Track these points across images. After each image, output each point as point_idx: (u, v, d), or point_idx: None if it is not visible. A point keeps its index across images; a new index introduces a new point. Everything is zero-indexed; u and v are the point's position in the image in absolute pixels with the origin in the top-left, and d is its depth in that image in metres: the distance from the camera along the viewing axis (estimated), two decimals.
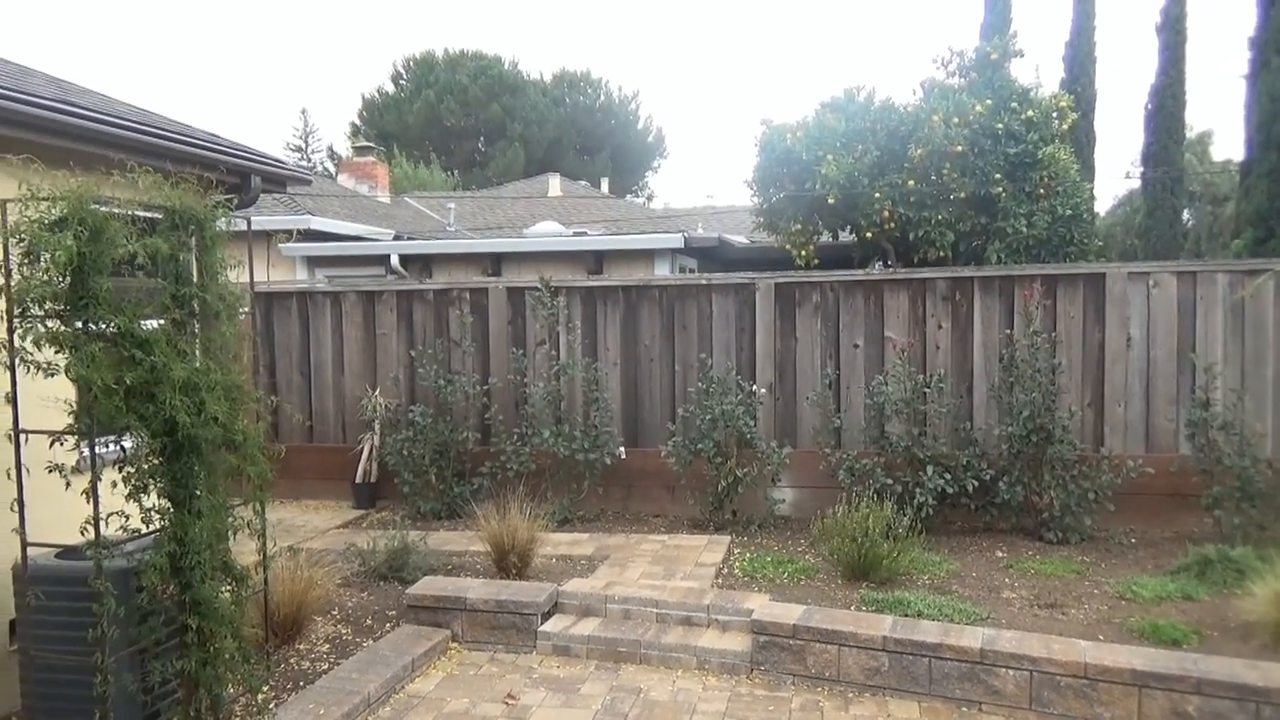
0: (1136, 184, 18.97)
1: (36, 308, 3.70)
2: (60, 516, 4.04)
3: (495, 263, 14.04)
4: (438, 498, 8.46)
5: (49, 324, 3.74)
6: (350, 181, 22.30)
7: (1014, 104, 10.79)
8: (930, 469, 7.27)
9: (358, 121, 42.38)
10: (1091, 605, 5.81)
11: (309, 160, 43.69)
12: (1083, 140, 14.59)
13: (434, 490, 8.47)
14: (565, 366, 8.55)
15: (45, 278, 3.66)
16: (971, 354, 8.03)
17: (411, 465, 8.47)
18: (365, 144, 26.14)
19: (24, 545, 4.11)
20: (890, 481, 7.34)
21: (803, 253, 11.84)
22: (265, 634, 5.16)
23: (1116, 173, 29.87)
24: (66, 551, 4.34)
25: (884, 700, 5.07)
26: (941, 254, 10.91)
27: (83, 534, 3.99)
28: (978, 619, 5.48)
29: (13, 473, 3.96)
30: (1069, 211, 10.58)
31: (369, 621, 5.97)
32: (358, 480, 8.99)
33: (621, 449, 8.36)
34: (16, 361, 3.80)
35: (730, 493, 7.80)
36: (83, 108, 4.92)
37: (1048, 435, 7.19)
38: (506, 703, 5.07)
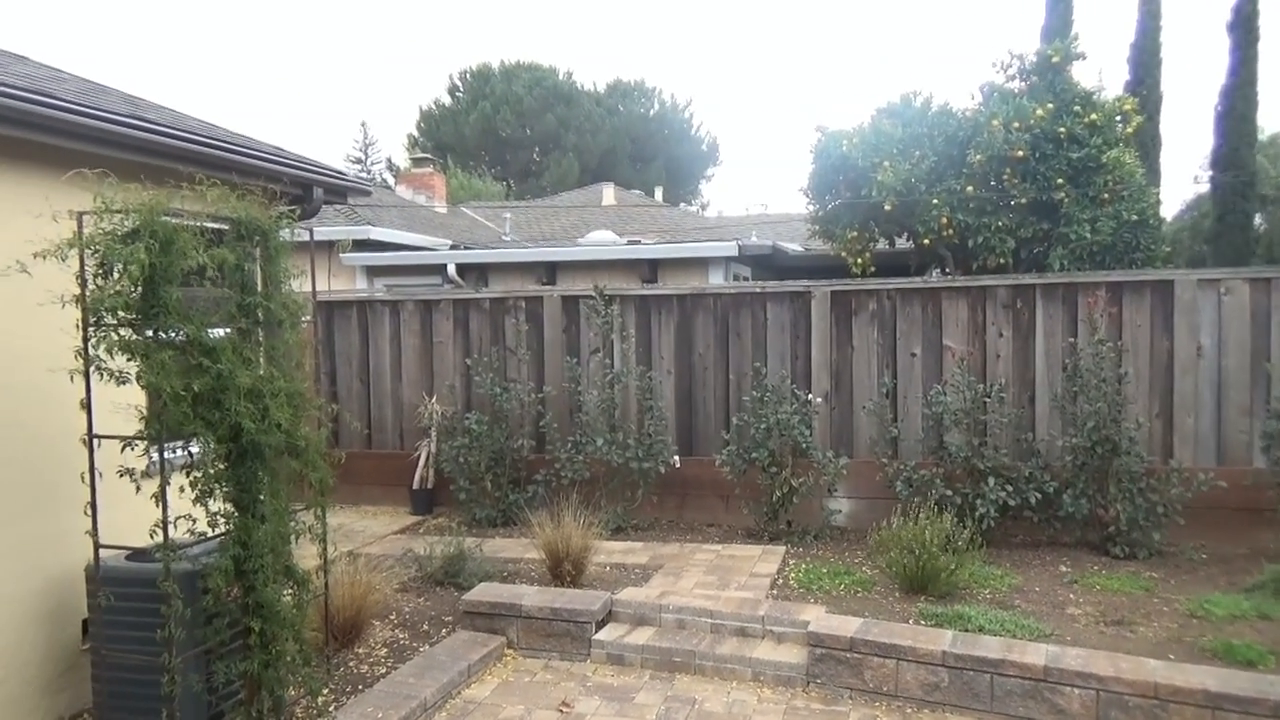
0: (1205, 188, 18.42)
1: (110, 317, 3.82)
2: (130, 520, 4.15)
3: (550, 271, 14.14)
4: (493, 504, 8.53)
5: (121, 333, 3.85)
6: (408, 192, 22.66)
7: (1077, 107, 10.55)
8: (991, 480, 7.12)
9: (415, 133, 43.09)
10: (1161, 623, 5.63)
11: (369, 172, 44.56)
12: (1148, 144, 14.21)
13: (489, 497, 8.55)
14: (619, 375, 8.56)
15: (118, 288, 3.77)
16: (1033, 363, 7.86)
17: (467, 472, 8.56)
18: (423, 155, 26.56)
19: (96, 547, 4.23)
20: (949, 493, 7.20)
21: (858, 260, 11.71)
22: (325, 637, 5.25)
23: (1184, 177, 29.06)
24: (136, 554, 4.46)
25: (944, 716, 4.96)
26: (1002, 261, 10.71)
27: (151, 537, 4.10)
28: (1041, 635, 5.34)
29: (87, 476, 4.08)
30: (1135, 217, 10.30)
31: (425, 627, 6.03)
32: (415, 486, 9.11)
33: (675, 457, 8.34)
34: (91, 369, 3.94)
35: (785, 503, 7.73)
36: (154, 123, 5.07)
37: (1114, 447, 7.00)
38: (561, 710, 5.08)
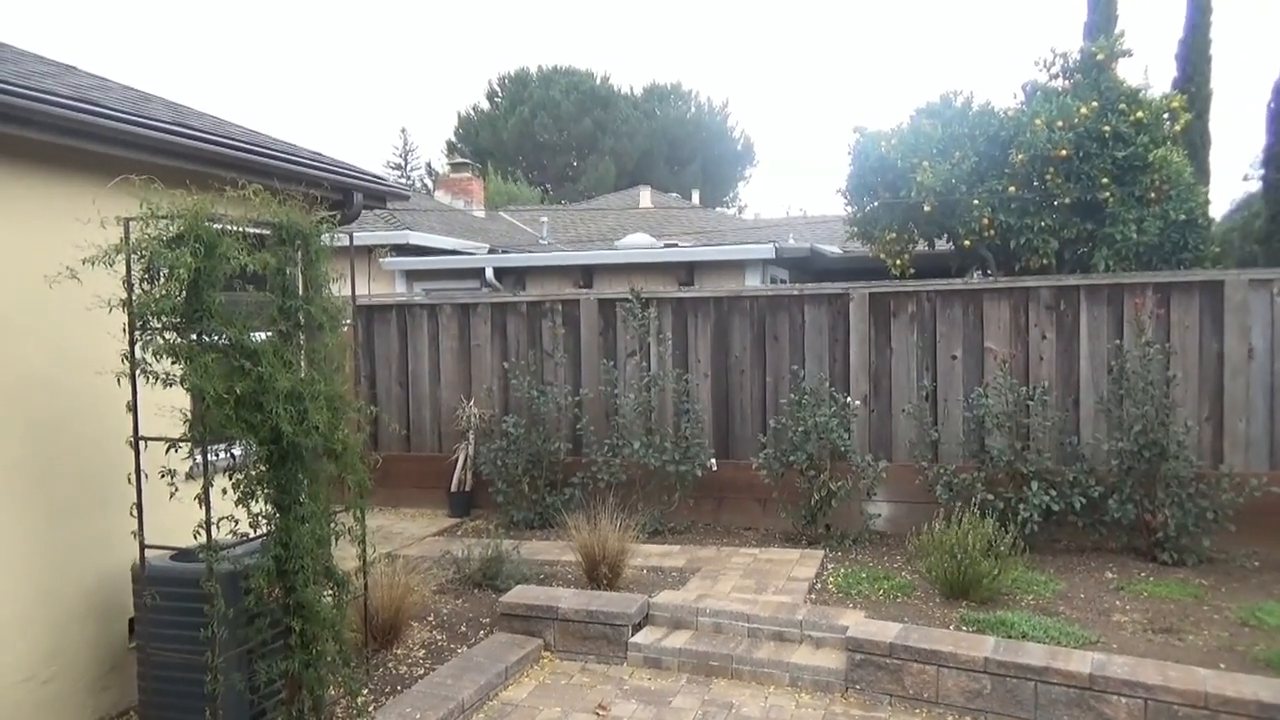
0: (1256, 187, 17.97)
1: (155, 321, 3.89)
2: (174, 520, 4.22)
3: (587, 275, 14.18)
4: (530, 507, 8.56)
5: (167, 336, 3.92)
6: (447, 197, 22.87)
7: (1122, 105, 10.35)
8: (1035, 484, 7.00)
9: (454, 139, 43.50)
10: (1211, 631, 5.50)
11: (408, 178, 45.03)
12: (1197, 142, 13.88)
13: (526, 500, 8.58)
14: (656, 378, 8.55)
15: (164, 292, 3.84)
16: (1078, 365, 7.71)
17: (505, 475, 8.60)
18: (461, 160, 26.78)
19: (142, 547, 4.31)
20: (991, 497, 7.09)
21: (897, 262, 11.59)
22: (364, 638, 5.30)
23: (1234, 175, 28.39)
24: (180, 554, 4.53)
25: None
26: (1045, 262, 10.54)
27: (195, 537, 4.16)
28: (1087, 643, 5.24)
29: (132, 478, 4.16)
30: (1183, 216, 10.08)
31: (463, 628, 6.07)
32: (453, 489, 9.17)
33: (712, 461, 8.31)
34: (137, 372, 4.01)
35: (824, 506, 7.66)
36: (198, 129, 5.16)
37: (1162, 451, 6.85)
38: (598, 714, 5.07)
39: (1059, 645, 5.15)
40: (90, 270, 3.82)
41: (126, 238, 4.01)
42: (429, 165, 46.38)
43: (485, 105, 43.92)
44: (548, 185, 40.62)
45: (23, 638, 4.47)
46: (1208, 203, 10.98)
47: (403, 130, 62.73)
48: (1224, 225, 18.04)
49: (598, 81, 43.09)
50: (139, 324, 3.96)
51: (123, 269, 3.97)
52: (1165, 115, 10.52)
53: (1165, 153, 10.09)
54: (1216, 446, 7.37)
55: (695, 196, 31.82)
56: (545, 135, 41.52)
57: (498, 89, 43.93)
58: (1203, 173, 13.87)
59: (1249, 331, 7.29)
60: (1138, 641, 5.34)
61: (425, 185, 40.88)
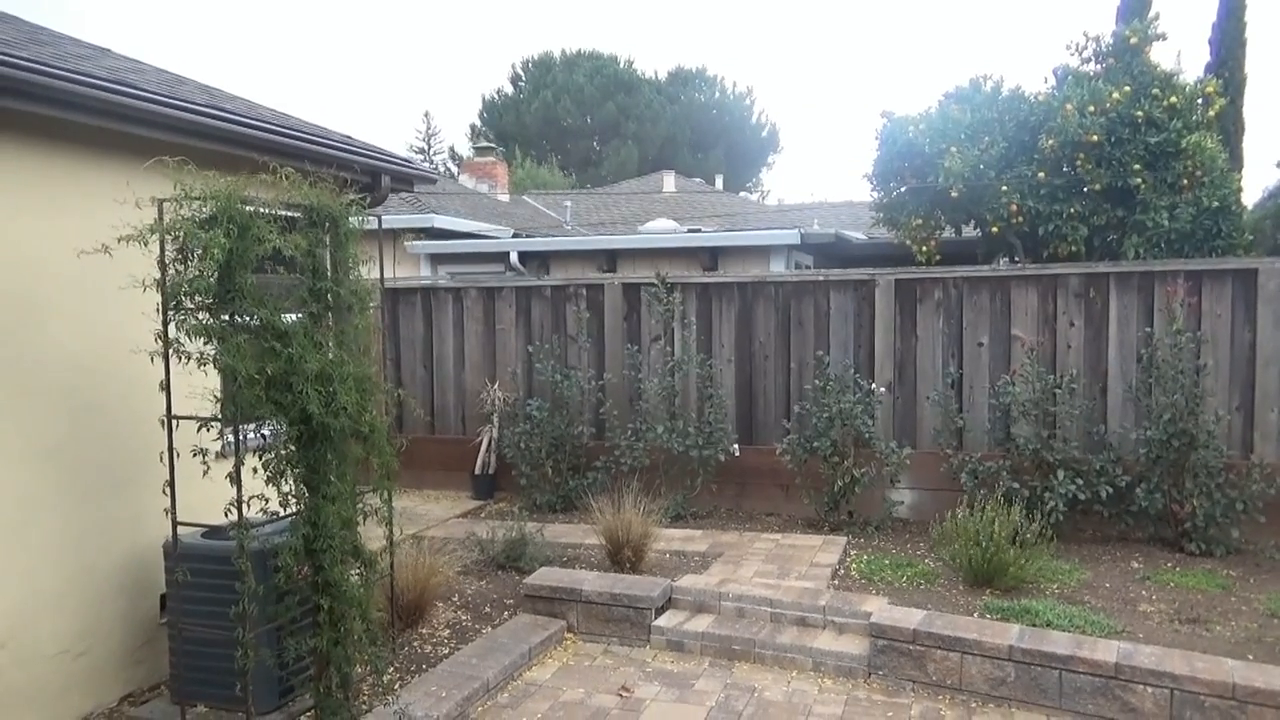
0: None
1: (189, 301, 3.93)
2: (204, 499, 4.28)
3: (610, 259, 14.17)
4: (553, 490, 8.60)
5: (199, 316, 3.96)
6: (471, 181, 22.90)
7: (1155, 90, 10.18)
8: (1061, 473, 6.96)
9: (478, 123, 43.52)
10: (1239, 622, 5.45)
11: (431, 162, 45.08)
12: (1230, 128, 13.62)
13: (550, 483, 8.62)
14: (680, 363, 8.55)
15: (196, 272, 3.88)
16: (1106, 354, 7.64)
17: (528, 458, 8.65)
18: (485, 144, 26.81)
19: (174, 525, 4.38)
20: (1016, 485, 7.06)
21: (924, 249, 11.49)
22: (390, 617, 5.36)
23: (1268, 162, 27.90)
24: (211, 531, 4.60)
25: (1010, 712, 4.88)
26: (1074, 249, 10.41)
27: (225, 515, 4.22)
28: (1112, 632, 5.22)
29: (164, 456, 4.22)
30: (1216, 203, 9.92)
31: (487, 609, 6.12)
32: (476, 472, 9.23)
33: (735, 446, 8.31)
34: (170, 352, 4.06)
35: (847, 493, 7.65)
36: (232, 112, 5.20)
37: (1191, 440, 6.78)
38: (621, 695, 5.11)
39: (1084, 634, 5.13)
40: (124, 250, 3.86)
41: (160, 218, 4.05)
42: (452, 149, 46.45)
43: (509, 89, 43.89)
44: (570, 170, 40.55)
45: (59, 613, 4.56)
46: (1241, 190, 10.79)
47: (426, 114, 62.85)
48: (1257, 213, 17.76)
49: (621, 66, 42.91)
50: (172, 304, 4.00)
51: (156, 249, 4.01)
52: (1199, 100, 10.34)
53: (1199, 139, 9.92)
54: (1247, 436, 7.28)
55: (719, 182, 31.68)
56: (568, 119, 41.44)
57: (521, 73, 43.87)
58: (1236, 159, 13.63)
59: None
60: (1164, 631, 5.30)
61: (449, 169, 40.92)
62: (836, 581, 6.35)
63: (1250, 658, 4.87)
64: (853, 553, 7.04)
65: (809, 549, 7.15)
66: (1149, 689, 4.61)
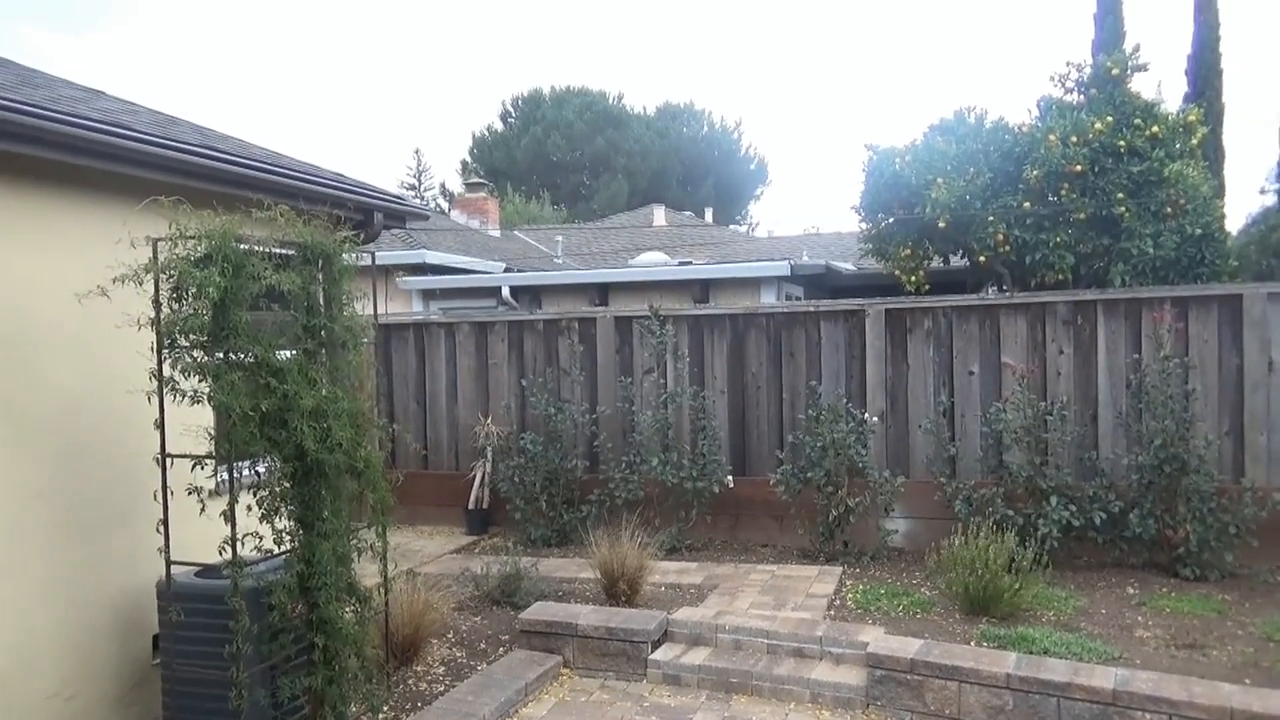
0: (1272, 201, 17.92)
1: (183, 339, 3.96)
2: (197, 537, 4.27)
3: (602, 293, 14.23)
4: (548, 524, 8.58)
5: (194, 354, 3.98)
6: (462, 217, 23.01)
7: (1137, 120, 10.35)
8: (1054, 500, 6.98)
9: (468, 159, 43.80)
10: (1235, 647, 5.45)
11: (422, 198, 45.30)
12: (1211, 156, 13.86)
13: (544, 517, 8.60)
14: (673, 395, 8.57)
15: (191, 311, 3.91)
16: (1095, 380, 7.70)
17: (522, 492, 8.63)
18: (476, 180, 26.96)
19: (168, 563, 4.36)
20: (1011, 513, 7.07)
21: (912, 278, 11.60)
22: (385, 654, 5.32)
23: (1249, 189, 28.30)
24: (205, 570, 4.57)
25: None
26: (1061, 277, 10.53)
27: (220, 554, 4.20)
28: (1109, 658, 5.21)
29: (158, 495, 4.21)
30: (1199, 231, 10.06)
31: (483, 645, 6.08)
32: (470, 506, 9.20)
33: (729, 477, 8.31)
34: (165, 390, 4.07)
35: (841, 522, 7.65)
36: (225, 152, 5.25)
37: (1182, 465, 6.81)
38: None
39: (1081, 661, 5.12)
40: (120, 289, 3.89)
41: (155, 257, 4.08)
42: (443, 185, 46.72)
43: (499, 125, 44.26)
44: (561, 204, 40.81)
45: (49, 655, 4.52)
46: (1224, 217, 10.95)
47: (416, 151, 63.29)
48: (1241, 239, 17.95)
49: (610, 101, 43.35)
50: (167, 342, 4.02)
51: (151, 288, 4.03)
52: (1181, 129, 10.51)
53: (1181, 167, 10.07)
54: (1237, 460, 7.32)
55: (708, 215, 31.89)
56: (558, 155, 41.77)
57: (511, 109, 44.27)
58: (1218, 187, 13.82)
59: (1269, 345, 7.26)
60: (1161, 657, 5.30)
61: (440, 206, 41.12)
62: (833, 612, 6.34)
63: (1247, 682, 4.86)
64: (848, 582, 7.03)
65: (804, 579, 7.14)
66: (1147, 715, 4.60)
